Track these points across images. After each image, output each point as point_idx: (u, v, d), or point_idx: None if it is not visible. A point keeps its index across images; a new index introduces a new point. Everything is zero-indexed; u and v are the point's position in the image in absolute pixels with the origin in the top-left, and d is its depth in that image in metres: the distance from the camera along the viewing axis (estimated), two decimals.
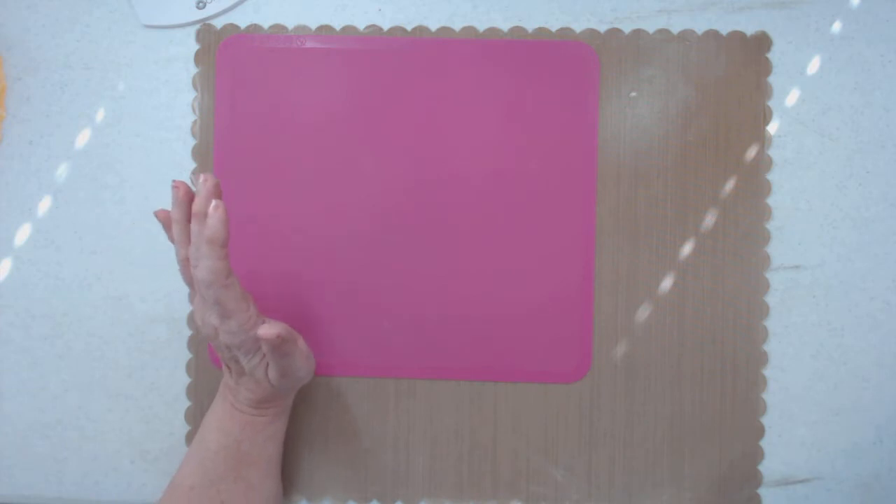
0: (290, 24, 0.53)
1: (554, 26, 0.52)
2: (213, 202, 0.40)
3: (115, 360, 0.52)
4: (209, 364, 0.52)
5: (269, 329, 0.40)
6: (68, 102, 0.53)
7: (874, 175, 0.52)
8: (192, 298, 0.44)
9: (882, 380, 0.52)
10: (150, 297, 0.52)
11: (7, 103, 0.52)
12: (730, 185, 0.52)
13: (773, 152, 0.52)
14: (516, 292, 0.52)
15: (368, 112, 0.52)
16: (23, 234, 0.53)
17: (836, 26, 0.52)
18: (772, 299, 0.52)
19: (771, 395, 0.52)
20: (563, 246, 0.52)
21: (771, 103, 0.52)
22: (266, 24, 0.53)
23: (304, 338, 0.46)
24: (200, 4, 0.52)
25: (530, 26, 0.52)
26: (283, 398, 0.47)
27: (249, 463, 0.46)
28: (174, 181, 0.42)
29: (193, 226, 0.41)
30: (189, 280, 0.43)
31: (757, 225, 0.52)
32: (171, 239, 0.43)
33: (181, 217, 0.42)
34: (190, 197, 0.42)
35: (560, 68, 0.52)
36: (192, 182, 0.52)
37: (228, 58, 0.52)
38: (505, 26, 0.52)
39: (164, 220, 0.43)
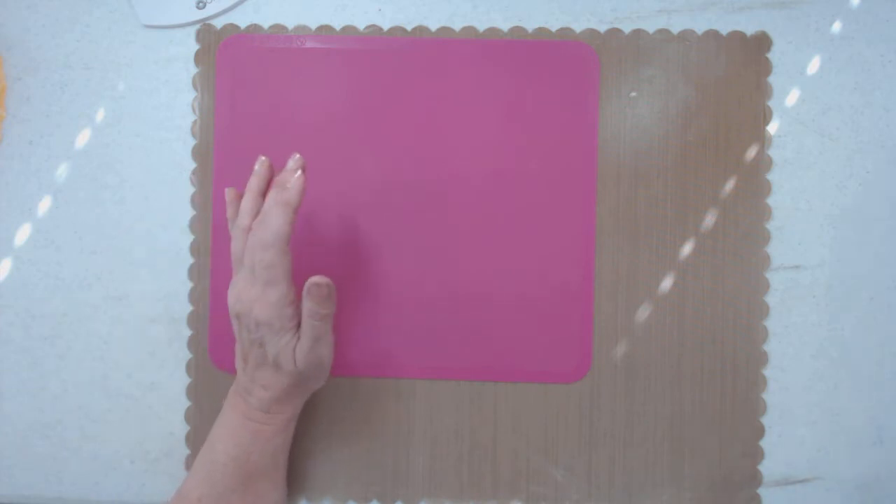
0: (290, 24, 0.53)
1: (554, 26, 0.52)
2: (297, 172, 0.45)
3: (115, 360, 0.52)
4: (209, 364, 0.52)
5: (321, 277, 0.43)
6: (68, 102, 0.53)
7: (874, 175, 0.52)
8: (236, 270, 0.46)
9: (882, 380, 0.52)
10: (150, 297, 0.52)
11: (7, 103, 0.52)
12: (730, 185, 0.52)
13: (773, 152, 0.52)
14: (516, 292, 0.51)
15: (368, 112, 0.52)
16: (23, 234, 0.53)
17: (836, 26, 0.52)
18: (772, 299, 0.52)
19: (771, 395, 0.52)
20: (563, 246, 0.52)
21: (771, 103, 0.52)
22: (266, 24, 0.53)
23: None
24: (200, 4, 0.52)
25: (530, 26, 0.52)
26: (294, 401, 0.47)
27: (259, 474, 0.46)
28: (262, 157, 0.47)
29: (270, 194, 0.45)
30: (240, 252, 0.45)
31: (757, 225, 0.52)
32: (232, 214, 0.47)
33: (258, 189, 0.46)
34: (271, 173, 0.47)
35: (560, 68, 0.52)
36: (191, 182, 0.52)
37: (228, 58, 0.52)
38: (505, 26, 0.52)
39: (234, 198, 0.47)
